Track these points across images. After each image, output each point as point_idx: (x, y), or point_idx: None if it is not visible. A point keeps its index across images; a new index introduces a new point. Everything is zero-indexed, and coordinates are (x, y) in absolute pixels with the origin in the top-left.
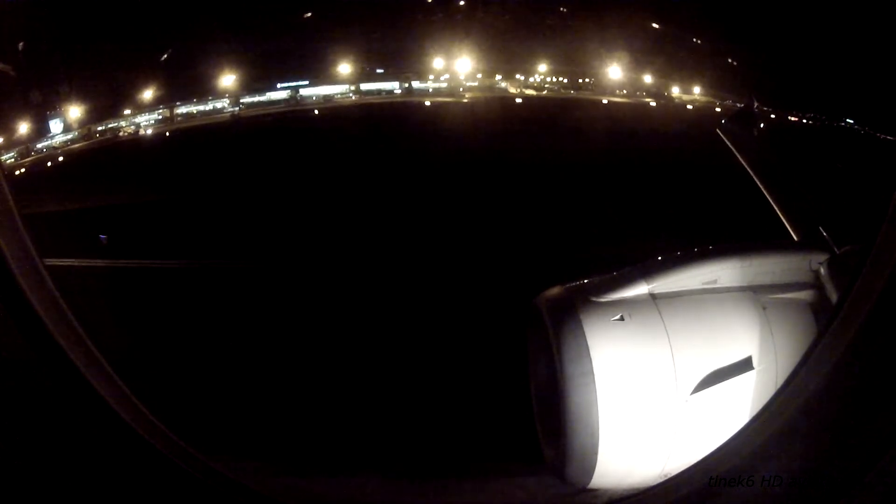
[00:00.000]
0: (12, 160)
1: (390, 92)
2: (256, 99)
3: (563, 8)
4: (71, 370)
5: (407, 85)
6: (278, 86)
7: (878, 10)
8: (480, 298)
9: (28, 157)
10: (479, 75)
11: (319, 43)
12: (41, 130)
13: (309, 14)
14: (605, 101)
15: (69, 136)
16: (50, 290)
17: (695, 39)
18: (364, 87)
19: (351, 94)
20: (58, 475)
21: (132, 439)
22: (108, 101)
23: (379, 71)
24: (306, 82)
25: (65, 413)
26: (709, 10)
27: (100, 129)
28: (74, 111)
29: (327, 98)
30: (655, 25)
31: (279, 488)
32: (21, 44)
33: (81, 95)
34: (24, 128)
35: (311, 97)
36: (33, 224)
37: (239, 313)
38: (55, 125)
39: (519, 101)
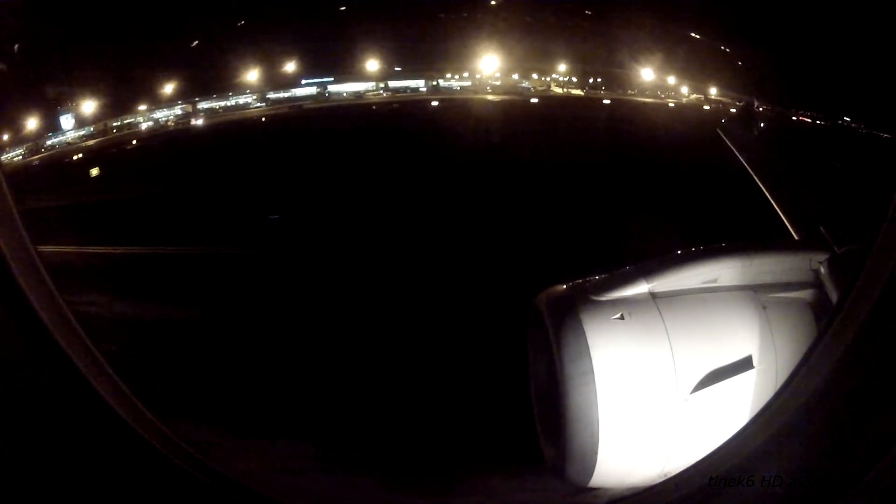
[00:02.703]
0: (20, 157)
1: (415, 89)
2: (282, 95)
3: (588, 10)
4: (71, 370)
5: (434, 83)
6: (303, 82)
7: (879, 10)
8: (480, 298)
9: (38, 153)
10: (499, 74)
11: (340, 41)
12: (51, 127)
13: (343, 7)
14: (607, 101)
15: (82, 132)
16: (50, 290)
17: (706, 40)
18: (392, 84)
19: (382, 91)
20: (58, 475)
21: (132, 439)
22: (121, 97)
23: (397, 69)
24: (331, 79)
25: (65, 413)
26: (710, 10)
27: (115, 124)
28: (88, 106)
29: (357, 95)
30: (692, 33)
31: (279, 488)
32: (18, 43)
33: (94, 91)
34: (31, 124)
35: (340, 94)
36: (48, 217)
37: (244, 308)
38: (66, 121)
39: (531, 100)
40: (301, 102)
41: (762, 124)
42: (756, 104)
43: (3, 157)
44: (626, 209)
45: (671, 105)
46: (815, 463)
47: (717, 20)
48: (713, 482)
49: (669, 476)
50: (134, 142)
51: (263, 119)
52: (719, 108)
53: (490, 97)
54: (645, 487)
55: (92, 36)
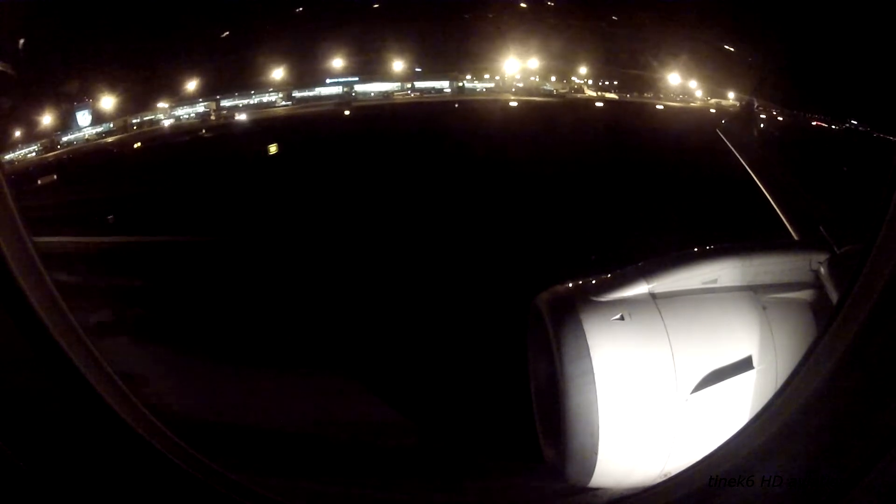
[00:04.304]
0: (34, 154)
1: (440, 90)
2: (307, 94)
3: (615, 16)
4: (71, 370)
5: (460, 84)
6: (327, 81)
7: (880, 10)
8: (480, 298)
9: (53, 150)
10: (519, 76)
11: (362, 41)
12: (68, 123)
13: (377, 5)
14: (606, 101)
15: (101, 129)
16: (50, 290)
17: (729, 48)
18: (417, 84)
19: (409, 92)
20: (58, 475)
21: (132, 439)
22: (139, 94)
23: (417, 69)
24: (356, 78)
25: (65, 413)
26: (709, 9)
27: (135, 121)
28: (107, 102)
29: (386, 95)
30: (709, 38)
31: (279, 488)
32: (22, 40)
33: (112, 88)
34: (41, 123)
35: (367, 93)
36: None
37: (246, 301)
38: (83, 117)
39: (596, 104)
40: (348, 100)
41: (762, 125)
42: (756, 104)
43: (18, 154)
44: (626, 210)
45: (666, 106)
46: (815, 463)
47: (714, 18)
48: (713, 482)
49: (669, 476)
50: (205, 131)
51: (347, 113)
52: (718, 109)
53: (546, 100)
54: (645, 487)
55: (108, 31)
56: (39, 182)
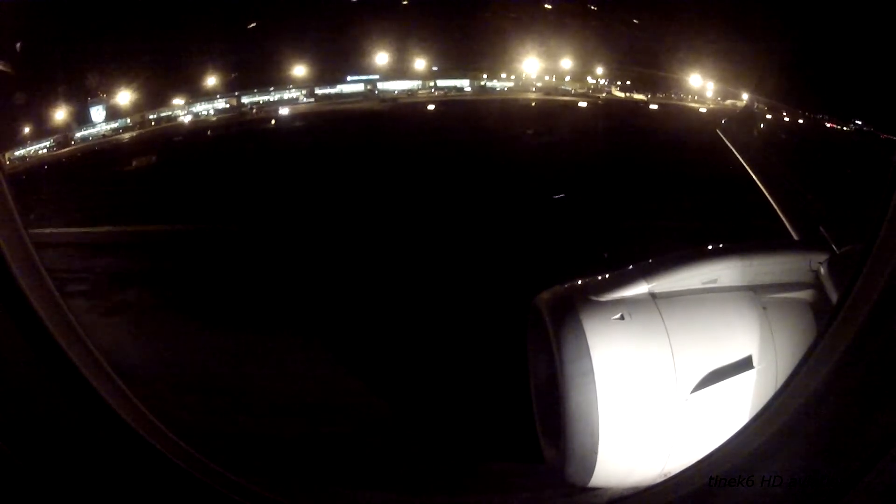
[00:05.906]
0: (45, 150)
1: (460, 89)
2: (329, 91)
3: (636, 19)
4: (71, 370)
5: (482, 83)
6: (348, 78)
7: (881, 9)
8: (480, 298)
9: (68, 145)
10: (535, 76)
11: (383, 39)
12: (82, 119)
13: (406, 2)
14: (607, 100)
15: (116, 124)
16: (50, 290)
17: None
18: (439, 83)
19: (432, 90)
20: (58, 475)
21: (132, 439)
22: (153, 90)
23: (434, 68)
24: (377, 76)
25: (65, 413)
26: (710, 7)
27: (152, 116)
28: (121, 98)
29: (410, 92)
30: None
31: (279, 488)
32: (20, 41)
33: (127, 83)
34: (44, 121)
35: (392, 91)
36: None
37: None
38: (97, 113)
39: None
40: (394, 97)
41: (762, 125)
42: (756, 105)
43: (28, 150)
44: (626, 210)
45: (666, 105)
46: (815, 463)
47: (714, 17)
48: (713, 482)
49: (669, 476)
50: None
51: (431, 107)
52: (718, 109)
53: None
54: (645, 487)
55: (118, 27)
56: (134, 163)
